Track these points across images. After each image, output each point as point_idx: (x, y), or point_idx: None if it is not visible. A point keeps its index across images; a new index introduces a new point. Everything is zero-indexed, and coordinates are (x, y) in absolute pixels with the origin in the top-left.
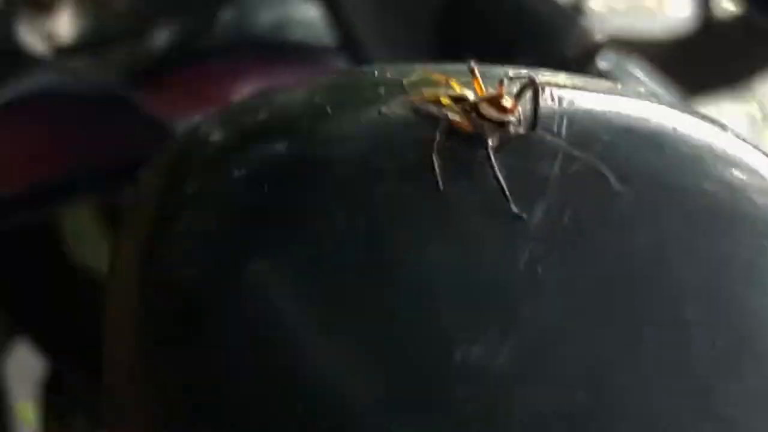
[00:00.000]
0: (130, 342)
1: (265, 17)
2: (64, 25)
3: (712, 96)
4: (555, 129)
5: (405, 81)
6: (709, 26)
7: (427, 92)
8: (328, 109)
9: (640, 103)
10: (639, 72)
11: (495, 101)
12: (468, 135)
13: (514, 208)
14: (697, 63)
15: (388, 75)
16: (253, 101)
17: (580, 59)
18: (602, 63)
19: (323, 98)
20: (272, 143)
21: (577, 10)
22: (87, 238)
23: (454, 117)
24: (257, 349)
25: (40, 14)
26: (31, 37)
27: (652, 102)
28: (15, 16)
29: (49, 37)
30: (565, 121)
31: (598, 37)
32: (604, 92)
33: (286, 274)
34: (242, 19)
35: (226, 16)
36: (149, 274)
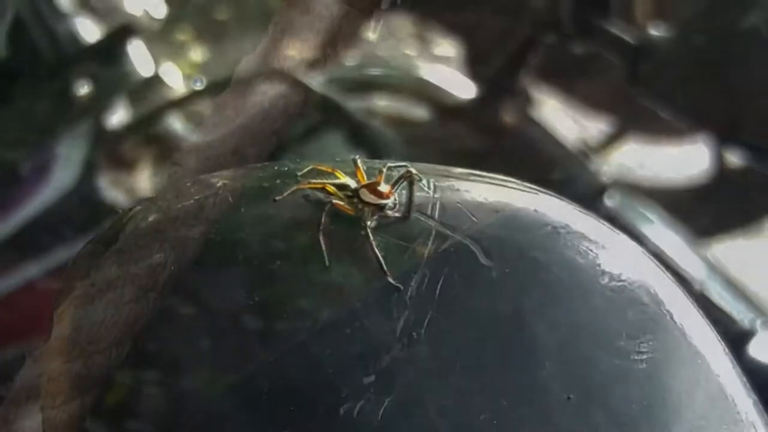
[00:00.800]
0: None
1: None
2: (144, 180)
3: (727, 238)
4: (429, 212)
5: (298, 172)
6: (721, 174)
7: (315, 181)
8: (231, 199)
9: (509, 191)
10: (647, 211)
11: (373, 188)
12: (350, 217)
13: (392, 281)
14: (710, 208)
15: (286, 168)
16: (179, 190)
17: (590, 197)
18: (608, 201)
19: (229, 189)
20: (187, 228)
21: (586, 156)
22: None
23: (338, 202)
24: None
25: (123, 171)
26: (114, 191)
27: (522, 189)
28: (99, 173)
29: (130, 190)
30: (438, 206)
31: (605, 179)
32: (478, 182)
33: (194, 331)
34: None
35: None
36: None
